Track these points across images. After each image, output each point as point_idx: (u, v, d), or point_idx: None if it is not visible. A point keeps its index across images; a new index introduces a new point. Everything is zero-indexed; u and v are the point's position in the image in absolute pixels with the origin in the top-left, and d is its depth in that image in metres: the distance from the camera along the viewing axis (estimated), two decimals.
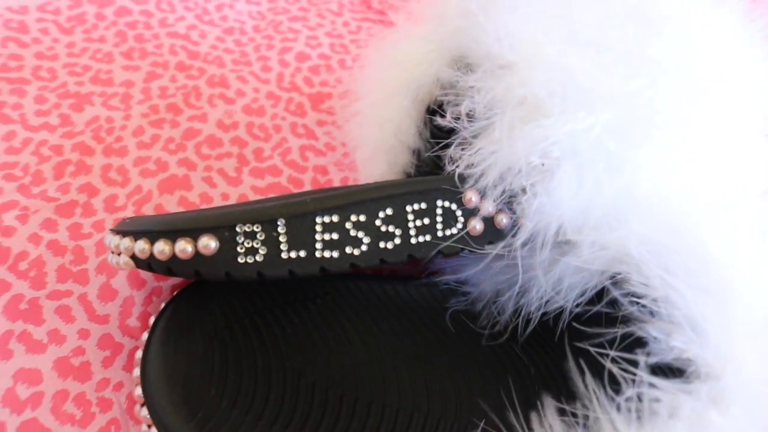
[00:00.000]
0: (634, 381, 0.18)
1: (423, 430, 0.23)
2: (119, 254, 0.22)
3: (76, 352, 0.25)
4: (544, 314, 0.23)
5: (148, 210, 0.30)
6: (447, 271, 0.27)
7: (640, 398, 0.18)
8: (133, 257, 0.21)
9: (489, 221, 0.23)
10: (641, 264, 0.20)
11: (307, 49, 0.42)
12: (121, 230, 0.22)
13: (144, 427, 0.21)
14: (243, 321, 0.24)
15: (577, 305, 0.22)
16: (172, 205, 0.31)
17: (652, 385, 0.18)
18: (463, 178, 0.22)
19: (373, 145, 0.31)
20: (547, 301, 0.23)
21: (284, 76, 0.39)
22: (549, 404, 0.19)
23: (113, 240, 0.22)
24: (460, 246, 0.22)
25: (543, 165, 0.21)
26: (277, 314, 0.25)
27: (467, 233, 0.23)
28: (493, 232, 0.23)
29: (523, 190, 0.21)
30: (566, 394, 0.24)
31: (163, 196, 0.31)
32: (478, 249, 0.23)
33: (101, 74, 0.36)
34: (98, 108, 0.34)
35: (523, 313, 0.24)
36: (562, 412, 0.19)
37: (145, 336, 0.23)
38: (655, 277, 0.20)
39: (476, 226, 0.22)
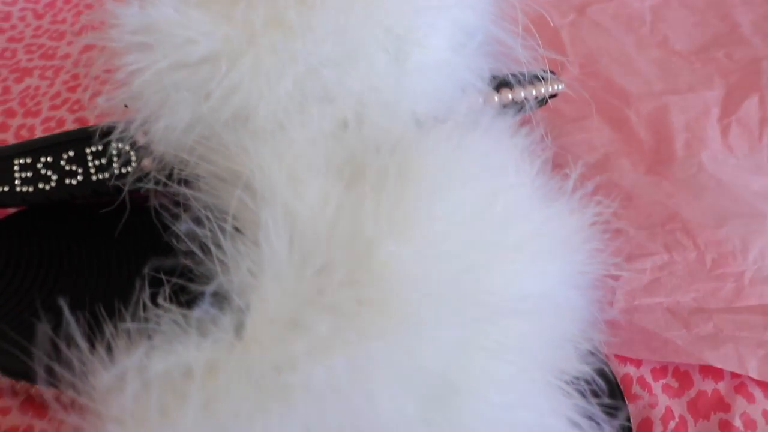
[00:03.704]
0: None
1: None
2: None
3: None
4: None
5: None
6: None
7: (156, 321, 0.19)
8: None
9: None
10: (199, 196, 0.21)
11: None
12: None
13: None
14: (40, 244, 0.30)
15: None
16: None
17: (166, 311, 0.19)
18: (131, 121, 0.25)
19: None
20: None
21: None
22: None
23: None
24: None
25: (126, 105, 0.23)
26: (69, 240, 0.30)
27: (143, 171, 0.26)
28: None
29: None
30: None
31: None
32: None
33: (49, 50, 0.44)
34: (35, 79, 0.42)
35: None
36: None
37: None
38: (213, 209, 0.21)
39: (148, 164, 0.25)
